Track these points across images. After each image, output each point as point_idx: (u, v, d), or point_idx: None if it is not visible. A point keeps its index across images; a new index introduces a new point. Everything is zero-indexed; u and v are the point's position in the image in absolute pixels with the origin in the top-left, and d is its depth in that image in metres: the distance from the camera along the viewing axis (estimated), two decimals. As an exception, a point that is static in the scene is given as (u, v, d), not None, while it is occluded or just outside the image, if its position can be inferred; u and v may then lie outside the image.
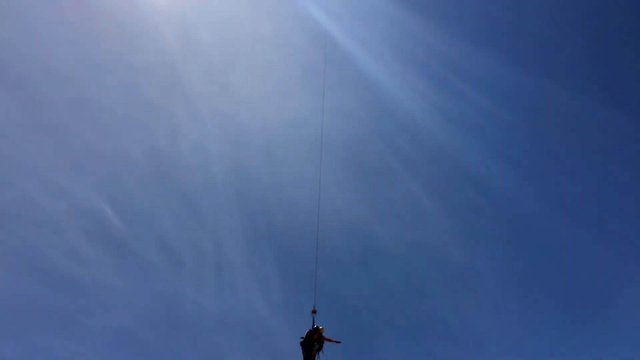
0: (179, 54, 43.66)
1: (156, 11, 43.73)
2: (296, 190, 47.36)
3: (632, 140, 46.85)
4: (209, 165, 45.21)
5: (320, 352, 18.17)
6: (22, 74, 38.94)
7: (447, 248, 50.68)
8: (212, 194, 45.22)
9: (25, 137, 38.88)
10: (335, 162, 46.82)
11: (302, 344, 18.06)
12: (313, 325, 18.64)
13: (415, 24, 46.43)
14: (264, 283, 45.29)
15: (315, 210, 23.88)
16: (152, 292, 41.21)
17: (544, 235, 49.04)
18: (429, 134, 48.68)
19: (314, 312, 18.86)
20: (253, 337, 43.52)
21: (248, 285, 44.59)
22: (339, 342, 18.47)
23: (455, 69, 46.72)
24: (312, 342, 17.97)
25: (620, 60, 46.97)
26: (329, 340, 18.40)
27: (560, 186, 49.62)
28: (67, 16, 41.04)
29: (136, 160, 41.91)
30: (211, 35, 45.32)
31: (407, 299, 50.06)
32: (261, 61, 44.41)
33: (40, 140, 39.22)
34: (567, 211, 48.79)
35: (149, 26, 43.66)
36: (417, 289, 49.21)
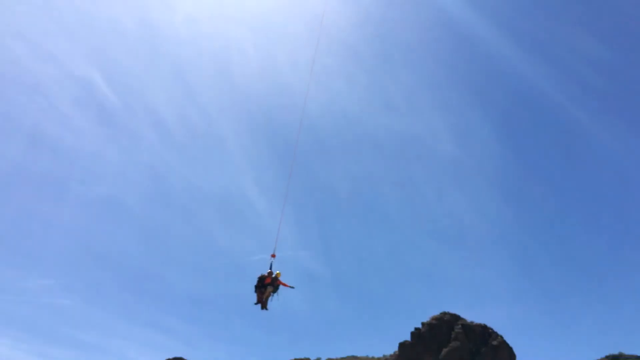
0: None
1: None
2: (290, 73, 45.73)
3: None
4: (201, 39, 43.50)
5: (275, 295, 19.36)
6: None
7: (438, 140, 50.58)
8: (203, 70, 44.12)
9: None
10: (333, 48, 44.52)
11: (255, 287, 19.13)
12: (270, 268, 19.54)
13: None
14: (253, 164, 46.16)
15: (307, 95, 23.99)
16: (142, 164, 42.74)
17: (547, 127, 47.82)
18: (434, 21, 45.26)
19: (273, 256, 19.62)
20: (240, 215, 45.57)
21: (237, 164, 45.57)
22: (292, 287, 19.51)
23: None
24: (265, 286, 19.00)
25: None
26: (284, 284, 19.42)
27: (579, 75, 46.49)
28: None
29: (128, 30, 40.47)
30: None
31: (394, 189, 51.31)
32: None
33: (29, 1, 37.18)
34: (584, 100, 46.46)
35: None
36: (404, 180, 50.26)
